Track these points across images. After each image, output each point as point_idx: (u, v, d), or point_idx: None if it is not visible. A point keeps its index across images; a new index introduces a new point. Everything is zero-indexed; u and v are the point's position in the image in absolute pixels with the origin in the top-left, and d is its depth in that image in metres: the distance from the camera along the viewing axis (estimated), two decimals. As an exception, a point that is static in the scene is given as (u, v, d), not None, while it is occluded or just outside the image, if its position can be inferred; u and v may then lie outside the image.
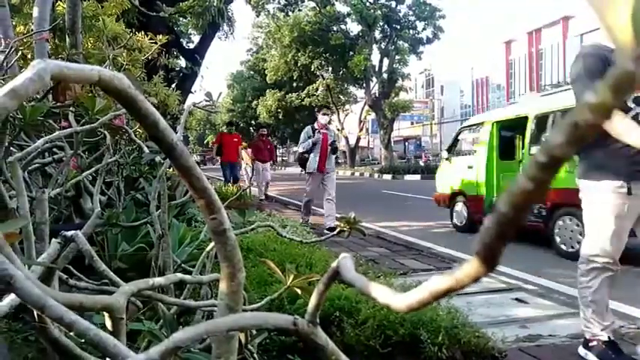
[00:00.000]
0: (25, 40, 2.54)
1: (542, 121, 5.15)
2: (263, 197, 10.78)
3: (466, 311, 2.27)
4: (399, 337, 1.96)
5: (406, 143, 51.41)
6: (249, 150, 12.00)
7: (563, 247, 4.75)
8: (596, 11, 0.20)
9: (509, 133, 6.10)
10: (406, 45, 26.69)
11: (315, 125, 6.44)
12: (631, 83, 0.19)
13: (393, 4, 25.77)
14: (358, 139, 30.68)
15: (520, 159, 5.65)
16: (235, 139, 10.79)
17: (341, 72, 27.86)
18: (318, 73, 28.89)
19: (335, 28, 26.47)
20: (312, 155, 6.27)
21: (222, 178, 10.67)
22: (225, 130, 11.32)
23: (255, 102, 36.95)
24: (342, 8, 26.49)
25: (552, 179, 0.22)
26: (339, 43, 25.59)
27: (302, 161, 6.41)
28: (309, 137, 6.35)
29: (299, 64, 28.06)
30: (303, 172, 6.47)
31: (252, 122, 41.51)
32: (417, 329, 1.98)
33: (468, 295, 3.17)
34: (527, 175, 0.22)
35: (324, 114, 6.48)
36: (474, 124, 6.83)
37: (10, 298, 0.67)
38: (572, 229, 4.63)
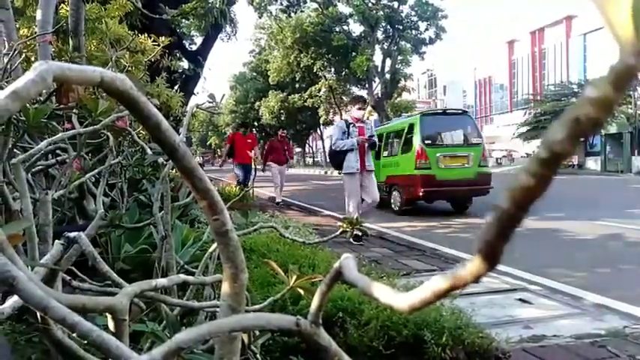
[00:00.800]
0: (28, 43, 2.55)
1: (385, 136, 9.18)
2: (280, 201, 10.15)
3: (470, 312, 2.26)
4: (403, 338, 1.96)
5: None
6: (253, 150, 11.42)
7: (394, 207, 8.45)
8: (597, 7, 0.20)
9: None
10: (408, 45, 26.71)
11: (349, 118, 5.63)
12: (631, 78, 0.19)
13: (396, 4, 25.78)
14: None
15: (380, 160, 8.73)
16: (249, 140, 9.90)
17: (343, 73, 27.89)
18: (320, 74, 28.93)
19: (337, 29, 26.50)
20: (350, 153, 5.45)
21: (223, 179, 10.59)
22: (240, 131, 10.21)
23: (257, 103, 37.01)
24: (344, 9, 26.55)
25: (554, 175, 0.22)
26: (341, 43, 25.63)
27: (336, 161, 5.57)
28: (344, 132, 5.51)
29: (301, 65, 28.10)
30: (340, 173, 5.68)
31: (255, 123, 41.56)
32: (421, 330, 1.97)
33: (471, 295, 3.17)
34: (528, 171, 0.22)
35: (359, 108, 5.65)
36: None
37: (13, 300, 0.67)
38: (398, 197, 8.41)
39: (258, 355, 1.06)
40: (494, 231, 0.24)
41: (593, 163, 28.36)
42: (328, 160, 6.20)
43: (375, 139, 5.83)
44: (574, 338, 2.46)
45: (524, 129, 30.39)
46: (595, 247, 5.20)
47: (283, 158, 10.23)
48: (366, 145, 5.49)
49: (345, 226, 1.34)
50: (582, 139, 0.22)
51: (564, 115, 0.21)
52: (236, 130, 10.92)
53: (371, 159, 5.71)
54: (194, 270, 1.43)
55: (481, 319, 2.48)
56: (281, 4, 27.16)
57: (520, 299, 3.18)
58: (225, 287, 0.58)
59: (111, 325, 0.62)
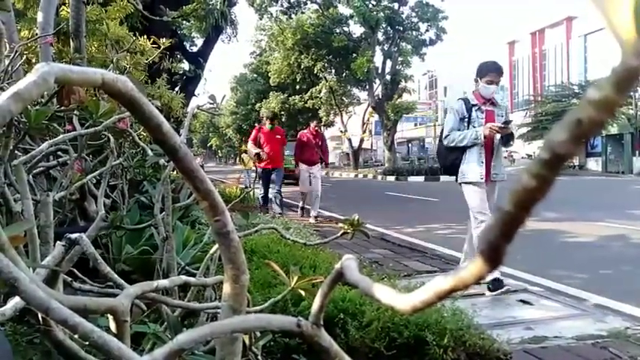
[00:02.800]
0: (29, 45, 2.55)
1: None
2: (315, 216, 7.47)
3: (471, 313, 2.26)
4: (404, 340, 1.95)
5: (409, 145, 51.30)
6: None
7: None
8: (598, 8, 0.20)
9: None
10: (409, 46, 26.70)
11: (472, 97, 3.62)
12: (634, 79, 0.19)
13: (396, 5, 25.78)
14: (361, 140, 30.67)
15: None
16: (278, 136, 7.68)
17: (344, 74, 27.89)
18: (321, 75, 28.94)
19: (338, 31, 26.51)
20: (469, 153, 3.45)
21: (225, 181, 9.74)
22: (266, 125, 7.67)
23: (258, 104, 37.00)
24: (344, 10, 26.55)
25: (556, 176, 0.22)
26: (341, 45, 25.63)
27: (447, 162, 3.64)
28: (463, 119, 3.53)
29: (302, 67, 28.11)
30: (460, 182, 3.52)
31: (256, 125, 41.53)
32: (422, 331, 1.97)
33: (472, 296, 3.16)
34: (530, 172, 0.22)
35: (489, 82, 3.51)
36: None
37: (15, 301, 0.67)
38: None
39: (259, 357, 1.06)
40: (496, 232, 0.24)
41: (594, 164, 28.33)
42: (437, 159, 4.31)
43: (513, 128, 3.96)
44: (576, 339, 2.46)
45: (525, 130, 30.37)
46: (596, 248, 5.20)
47: (315, 156, 7.78)
48: (497, 138, 3.45)
49: (345, 227, 1.34)
50: (583, 142, 0.22)
51: (566, 117, 0.21)
52: (260, 123, 8.36)
53: (502, 163, 3.57)
54: (195, 271, 1.43)
55: (482, 321, 2.48)
56: (281, 5, 27.19)
57: (521, 300, 3.18)
58: (227, 288, 0.58)
59: (112, 326, 0.62)
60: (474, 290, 3.25)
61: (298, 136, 8.22)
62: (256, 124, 8.85)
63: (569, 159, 0.22)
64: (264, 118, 8.02)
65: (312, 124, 8.21)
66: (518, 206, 0.23)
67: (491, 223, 0.25)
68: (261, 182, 7.45)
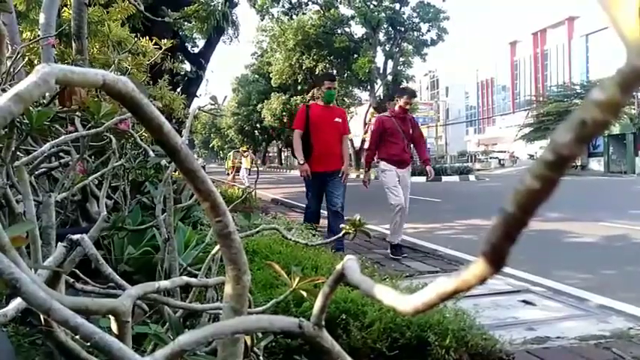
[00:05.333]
0: (31, 46, 2.56)
1: None
2: (397, 242, 4.80)
3: (473, 313, 2.26)
4: (406, 340, 1.95)
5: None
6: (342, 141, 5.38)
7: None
8: (603, 8, 0.20)
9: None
10: (410, 47, 26.72)
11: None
12: (639, 80, 0.19)
13: (397, 6, 25.80)
14: (363, 141, 30.65)
15: None
16: (338, 119, 4.78)
17: (345, 74, 27.91)
18: (322, 75, 28.96)
19: (339, 31, 26.54)
20: None
21: (227, 182, 9.08)
22: (320, 99, 4.78)
23: (260, 105, 37.06)
24: (346, 11, 26.59)
25: (560, 178, 0.22)
26: (343, 45, 25.66)
27: None
28: None
29: (303, 67, 28.14)
30: None
31: (258, 126, 41.62)
32: (424, 332, 1.97)
33: (474, 297, 3.16)
34: (534, 173, 0.22)
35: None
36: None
37: (17, 302, 0.67)
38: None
39: (261, 357, 1.06)
40: (499, 233, 0.24)
41: (596, 164, 28.28)
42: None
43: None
44: (578, 340, 2.45)
45: (527, 130, 30.34)
46: (599, 248, 5.19)
47: (407, 153, 5.02)
48: None
49: (347, 227, 1.33)
50: (587, 143, 0.22)
51: (570, 118, 0.21)
52: (311, 99, 5.87)
53: None
54: (197, 272, 1.42)
55: (485, 321, 2.47)
56: (283, 6, 27.23)
57: (524, 301, 3.17)
58: (228, 289, 0.58)
59: (114, 327, 0.62)
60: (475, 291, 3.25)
61: (376, 121, 5.14)
62: (304, 102, 5.59)
63: (573, 160, 0.22)
64: (317, 89, 4.81)
65: (401, 100, 4.89)
66: (521, 208, 0.23)
67: (494, 225, 0.25)
68: (308, 194, 4.92)
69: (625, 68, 0.19)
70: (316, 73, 27.96)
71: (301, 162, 4.68)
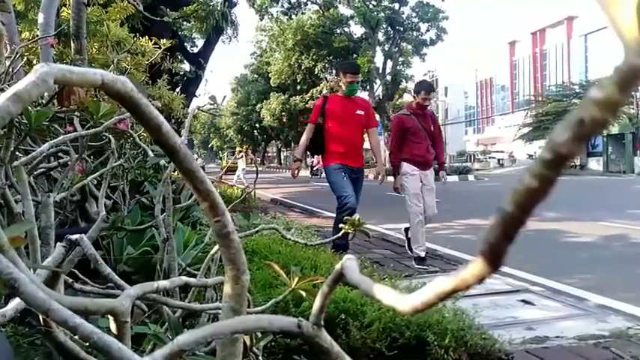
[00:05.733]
0: (30, 46, 2.56)
1: None
2: (422, 255, 4.39)
3: (472, 313, 2.26)
4: (405, 340, 1.95)
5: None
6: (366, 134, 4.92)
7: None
8: (601, 7, 0.20)
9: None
10: (409, 47, 26.74)
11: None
12: (637, 79, 0.19)
13: (396, 6, 25.81)
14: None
15: None
16: (360, 111, 4.28)
17: (345, 74, 27.88)
18: (321, 75, 28.96)
19: (338, 31, 26.55)
20: None
21: (226, 181, 9.12)
22: (343, 89, 4.19)
23: (259, 105, 37.07)
24: (345, 11, 26.60)
25: (558, 177, 0.22)
26: (342, 45, 25.67)
27: None
28: None
29: (303, 67, 28.15)
30: None
31: (257, 126, 41.62)
32: (424, 331, 1.97)
33: (473, 297, 3.16)
34: (532, 172, 0.22)
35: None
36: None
37: (16, 302, 0.67)
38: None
39: (260, 357, 1.06)
40: (497, 233, 0.24)
41: (595, 164, 28.32)
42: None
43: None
44: (577, 339, 2.45)
45: (526, 130, 30.36)
46: (598, 248, 5.19)
47: (430, 153, 4.52)
48: None
49: (346, 227, 1.33)
50: (585, 142, 0.22)
51: (569, 117, 0.21)
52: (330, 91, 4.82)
53: None
54: (196, 272, 1.42)
55: (484, 321, 2.48)
56: (282, 6, 27.23)
57: (523, 300, 3.17)
58: (227, 289, 0.58)
59: (113, 327, 0.62)
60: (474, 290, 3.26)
61: (395, 120, 4.63)
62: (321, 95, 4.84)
63: (571, 159, 0.22)
64: (337, 81, 4.25)
65: (419, 97, 4.44)
66: (519, 207, 0.23)
67: (492, 224, 0.25)
68: (333, 186, 4.12)
69: (623, 67, 0.19)
70: (315, 72, 27.98)
71: (295, 158, 4.54)
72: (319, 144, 4.25)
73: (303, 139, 4.32)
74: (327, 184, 4.24)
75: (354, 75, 4.22)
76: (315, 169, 27.69)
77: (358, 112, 4.26)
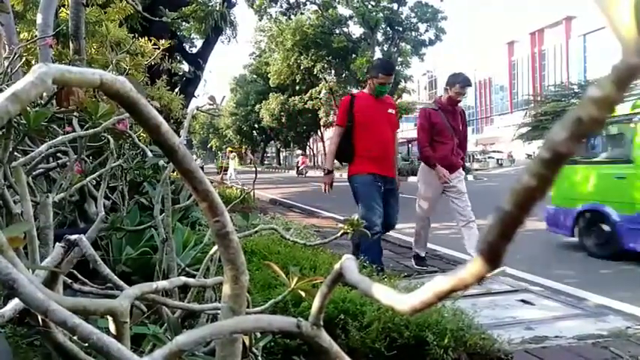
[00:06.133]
0: (29, 47, 2.56)
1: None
2: (422, 259, 4.38)
3: (471, 313, 2.26)
4: (405, 340, 1.95)
5: (409, 145, 51.38)
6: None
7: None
8: (598, 6, 0.20)
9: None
10: (408, 47, 26.75)
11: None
12: (634, 77, 0.19)
13: (395, 6, 25.82)
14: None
15: None
16: (391, 110, 3.86)
17: (344, 75, 27.92)
18: (320, 76, 28.97)
19: (337, 31, 26.55)
20: None
21: (225, 182, 8.93)
22: (373, 87, 3.73)
23: (258, 105, 37.08)
24: (344, 11, 26.60)
25: (556, 176, 0.22)
26: (341, 45, 25.67)
27: None
28: None
29: (302, 68, 28.14)
30: None
31: (256, 126, 41.62)
32: (423, 331, 1.97)
33: (473, 296, 3.16)
34: (530, 171, 0.22)
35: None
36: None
37: (14, 303, 0.67)
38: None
39: (259, 358, 1.06)
40: (496, 232, 0.24)
41: (594, 164, 28.28)
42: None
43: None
44: (576, 339, 2.45)
45: (525, 130, 30.37)
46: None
47: (456, 157, 4.12)
48: None
49: (345, 227, 1.34)
50: (583, 140, 0.22)
51: (566, 116, 0.21)
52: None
53: None
54: (195, 272, 1.42)
55: (483, 320, 2.48)
56: (281, 6, 27.25)
57: (522, 300, 3.18)
58: (226, 289, 0.58)
59: (112, 327, 0.62)
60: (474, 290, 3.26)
61: (421, 114, 4.14)
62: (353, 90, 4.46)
63: (569, 158, 0.22)
64: (372, 72, 3.75)
65: (452, 90, 3.99)
66: (517, 206, 0.23)
67: (490, 223, 0.25)
68: (360, 203, 3.68)
69: (620, 65, 0.19)
70: (314, 73, 27.96)
71: (327, 171, 3.80)
72: (347, 149, 3.69)
73: (333, 146, 3.75)
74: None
75: (388, 76, 3.72)
76: (300, 168, 27.73)
77: (390, 111, 3.82)
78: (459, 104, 4.13)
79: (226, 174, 16.15)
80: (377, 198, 3.59)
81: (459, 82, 3.99)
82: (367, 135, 3.64)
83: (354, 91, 31.81)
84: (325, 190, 3.77)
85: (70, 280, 0.97)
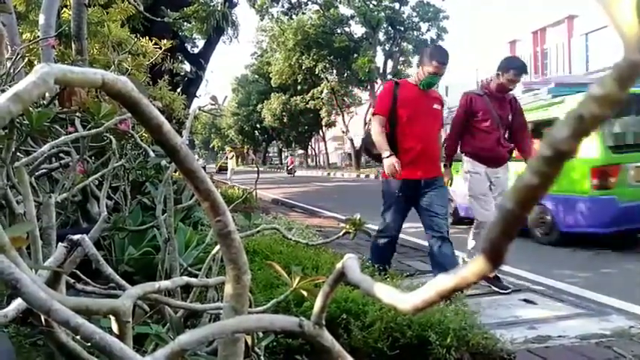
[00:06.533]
0: (31, 47, 2.56)
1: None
2: (499, 279, 3.45)
3: (474, 313, 2.25)
4: (407, 339, 1.95)
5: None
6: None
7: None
8: (600, 4, 0.20)
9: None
10: (410, 46, 26.72)
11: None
12: (636, 75, 0.19)
13: (397, 5, 25.80)
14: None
15: None
16: (437, 106, 3.34)
17: (345, 74, 27.90)
18: (322, 75, 28.96)
19: (339, 31, 26.54)
20: None
21: (226, 182, 8.73)
22: (422, 75, 3.21)
23: (259, 105, 37.10)
24: (345, 11, 26.59)
25: (558, 174, 0.22)
26: (343, 45, 25.66)
27: None
28: None
29: (303, 67, 28.13)
30: None
31: (258, 126, 41.65)
32: (425, 331, 1.96)
33: (475, 296, 3.16)
34: (532, 169, 0.22)
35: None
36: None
37: (17, 303, 0.67)
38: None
39: (262, 357, 1.06)
40: (498, 230, 0.24)
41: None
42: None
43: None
44: (579, 339, 2.45)
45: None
46: (599, 247, 5.18)
47: (502, 149, 3.52)
48: None
49: (347, 227, 1.33)
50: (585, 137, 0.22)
51: (568, 113, 0.21)
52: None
53: None
54: (197, 272, 1.43)
55: (486, 320, 2.48)
56: (282, 6, 27.23)
57: (525, 300, 3.17)
58: (229, 289, 0.58)
59: (114, 327, 0.62)
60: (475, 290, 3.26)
61: (462, 99, 3.59)
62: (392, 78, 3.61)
63: (571, 156, 0.22)
64: (425, 59, 3.26)
65: (504, 77, 3.47)
66: (519, 204, 0.23)
67: (492, 222, 0.25)
68: (384, 204, 3.48)
69: (622, 63, 0.19)
70: (316, 72, 27.96)
71: (386, 154, 3.14)
72: (394, 144, 3.21)
73: (379, 133, 3.20)
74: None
75: (441, 65, 3.19)
76: (289, 168, 27.73)
77: (435, 106, 3.33)
78: (510, 92, 3.59)
79: (225, 173, 16.11)
80: (401, 206, 3.33)
81: (515, 67, 3.45)
82: (408, 131, 3.19)
83: (356, 90, 31.80)
84: (396, 169, 3.11)
85: (72, 280, 0.97)
